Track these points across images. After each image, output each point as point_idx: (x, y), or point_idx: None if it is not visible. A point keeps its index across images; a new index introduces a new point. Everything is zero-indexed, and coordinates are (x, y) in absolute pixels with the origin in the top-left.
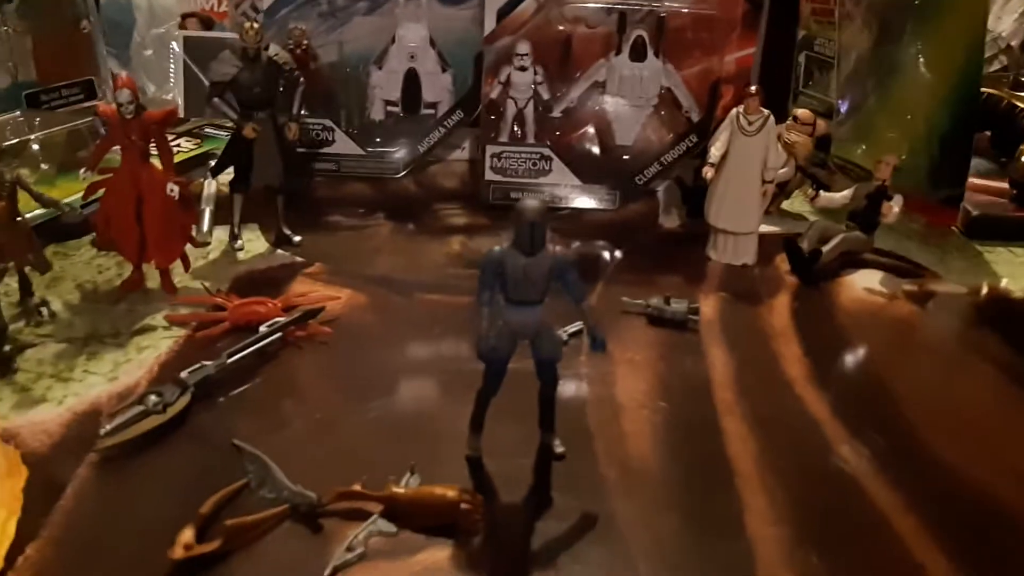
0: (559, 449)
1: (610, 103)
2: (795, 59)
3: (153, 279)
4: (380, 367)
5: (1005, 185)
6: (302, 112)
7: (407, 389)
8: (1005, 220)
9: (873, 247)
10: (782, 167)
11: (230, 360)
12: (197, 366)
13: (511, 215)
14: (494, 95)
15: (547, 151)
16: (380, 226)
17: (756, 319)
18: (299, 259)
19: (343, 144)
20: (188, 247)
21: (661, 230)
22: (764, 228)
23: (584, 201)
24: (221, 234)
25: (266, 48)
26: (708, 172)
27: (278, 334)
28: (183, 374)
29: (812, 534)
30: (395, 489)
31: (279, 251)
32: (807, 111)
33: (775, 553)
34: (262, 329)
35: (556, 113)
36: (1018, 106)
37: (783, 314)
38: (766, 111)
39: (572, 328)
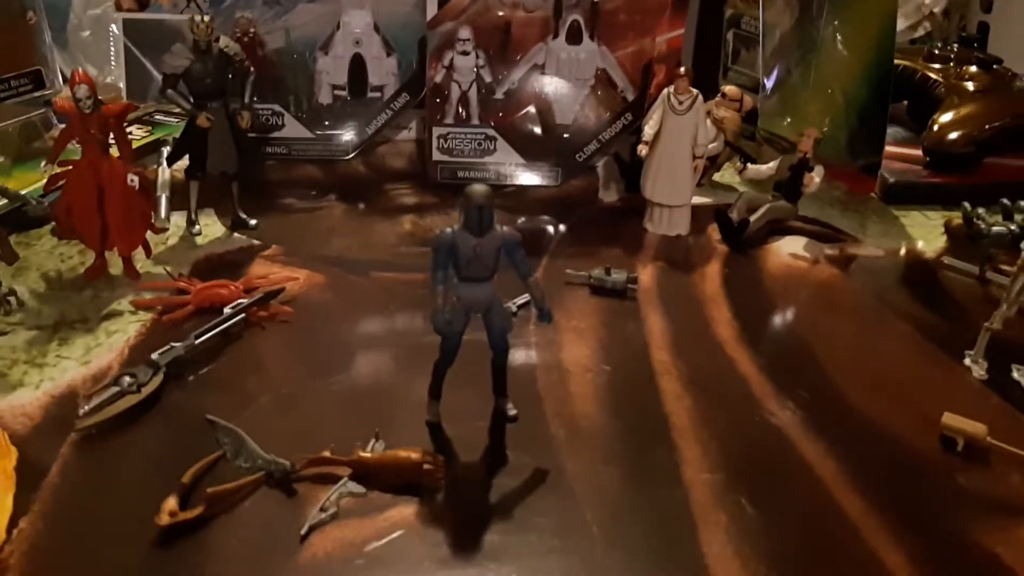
0: (512, 412)
1: (549, 84)
2: (724, 37)
3: (116, 266)
4: (340, 343)
5: (919, 152)
6: (253, 100)
7: (366, 363)
8: (919, 186)
9: (798, 215)
10: (712, 142)
11: (198, 341)
12: (167, 347)
13: (460, 199)
14: (439, 79)
15: (491, 131)
16: (332, 207)
17: (690, 286)
18: (256, 242)
19: (293, 128)
20: (149, 234)
21: (601, 204)
22: (696, 200)
23: (528, 178)
24: (179, 220)
25: (217, 40)
26: (643, 149)
27: (241, 315)
28: (154, 355)
29: (742, 479)
30: (362, 454)
31: (236, 235)
32: (734, 88)
33: (708, 497)
34: (226, 311)
35: (499, 95)
36: (931, 77)
37: (715, 280)
38: (695, 91)
39: (520, 300)
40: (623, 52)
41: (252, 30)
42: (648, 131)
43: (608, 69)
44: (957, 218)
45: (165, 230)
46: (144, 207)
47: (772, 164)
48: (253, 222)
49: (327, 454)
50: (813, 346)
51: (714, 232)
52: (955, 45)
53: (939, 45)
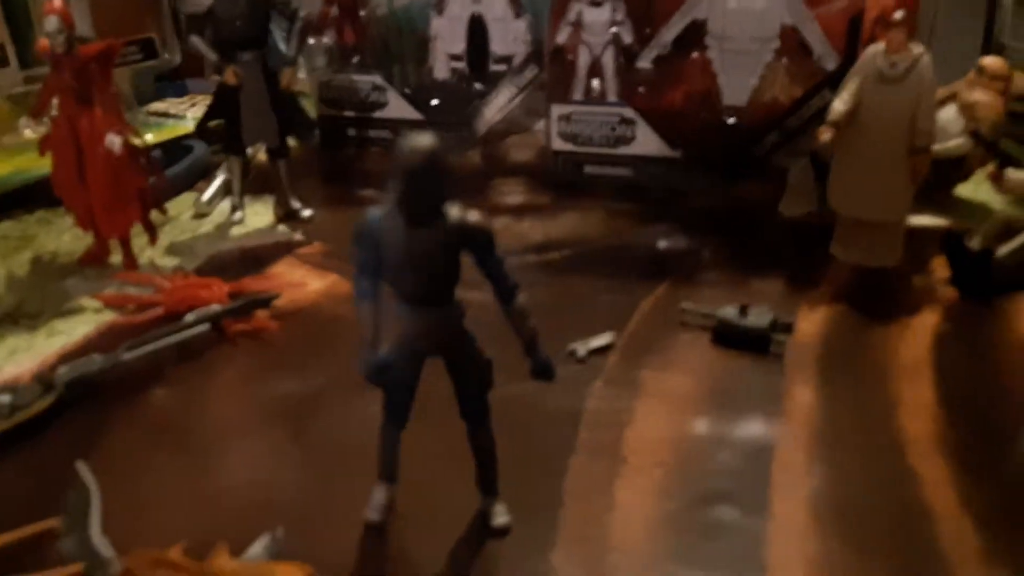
0: (500, 519)
1: (715, 49)
2: None
3: (117, 252)
4: (323, 378)
5: None
6: (300, 53)
7: (342, 414)
8: None
9: None
10: (958, 136)
11: (127, 356)
12: (80, 361)
13: (392, 159)
14: (562, 39)
15: (630, 112)
16: None
17: (878, 346)
18: (299, 236)
19: (397, 106)
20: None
21: (778, 220)
22: (917, 219)
23: (680, 179)
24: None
25: None
26: (826, 134)
27: (204, 326)
28: (61, 370)
29: None
30: (221, 561)
31: (282, 227)
32: (998, 61)
33: None
34: (188, 318)
35: (643, 63)
36: None
37: (922, 340)
38: (918, 48)
39: (597, 342)
40: (827, 6)
41: None
42: (838, 107)
43: (800, 27)
44: None
45: (204, 216)
46: (137, 179)
47: None
48: (307, 212)
49: (174, 554)
50: None
51: (941, 268)
52: None
53: None
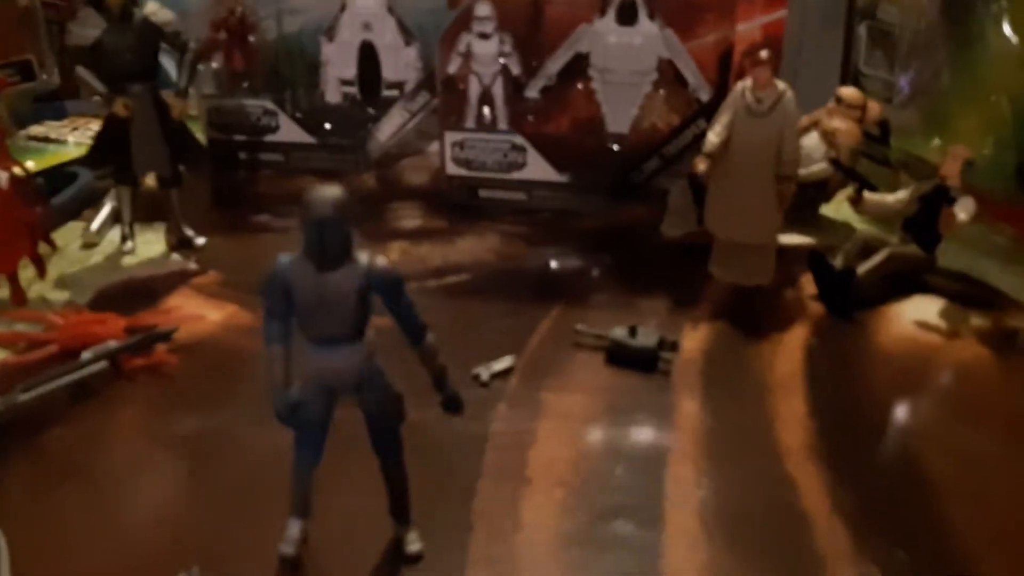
0: (413, 547)
1: (598, 80)
2: (853, 30)
3: (5, 286)
4: (227, 412)
5: None
6: (189, 84)
7: (249, 447)
8: None
9: (935, 266)
10: (820, 161)
11: (24, 396)
12: None
13: (299, 210)
14: (453, 70)
15: (519, 140)
16: None
17: (755, 362)
18: (193, 266)
19: (289, 131)
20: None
21: (660, 240)
22: (788, 238)
23: (567, 201)
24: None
25: (138, 5)
26: (702, 165)
27: (101, 363)
28: None
29: None
30: None
31: (175, 256)
32: (854, 90)
33: None
34: (84, 356)
35: (532, 93)
36: None
37: (794, 356)
38: (781, 85)
39: (499, 366)
40: (701, 40)
41: (240, 9)
42: (712, 139)
43: (675, 60)
44: None
45: (93, 245)
46: (27, 215)
47: (902, 194)
48: (200, 241)
49: None
50: (932, 477)
51: (810, 285)
52: None
53: None
